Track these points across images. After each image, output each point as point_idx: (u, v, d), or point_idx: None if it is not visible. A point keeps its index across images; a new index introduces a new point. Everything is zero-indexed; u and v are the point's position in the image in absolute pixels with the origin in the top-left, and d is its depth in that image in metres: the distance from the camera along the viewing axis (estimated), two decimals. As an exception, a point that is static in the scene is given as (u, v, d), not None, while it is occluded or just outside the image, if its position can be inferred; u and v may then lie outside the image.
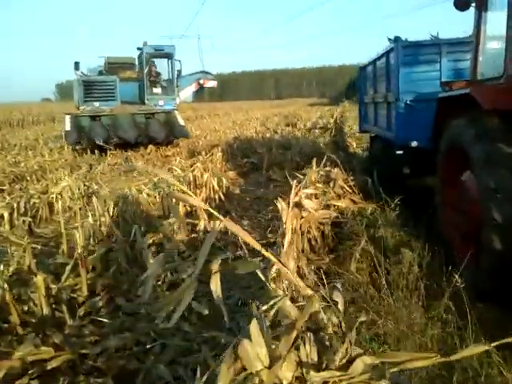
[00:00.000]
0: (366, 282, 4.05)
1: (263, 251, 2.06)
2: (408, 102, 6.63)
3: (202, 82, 17.90)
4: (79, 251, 4.25)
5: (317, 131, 20.99)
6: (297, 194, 3.75)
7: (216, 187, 7.79)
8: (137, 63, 17.82)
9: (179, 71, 17.39)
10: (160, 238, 5.83)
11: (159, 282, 4.79)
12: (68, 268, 4.22)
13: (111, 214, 6.60)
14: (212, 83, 18.50)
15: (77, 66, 16.12)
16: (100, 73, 17.47)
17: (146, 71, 16.79)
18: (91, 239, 5.91)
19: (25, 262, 4.59)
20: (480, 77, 4.95)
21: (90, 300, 4.34)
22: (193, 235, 6.42)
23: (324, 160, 6.71)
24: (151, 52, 16.75)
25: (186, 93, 17.84)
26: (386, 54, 7.40)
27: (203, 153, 14.30)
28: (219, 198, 7.92)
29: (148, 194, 7.61)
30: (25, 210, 7.50)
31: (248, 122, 28.95)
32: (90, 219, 6.00)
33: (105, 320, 4.05)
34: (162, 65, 17.65)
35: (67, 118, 15.31)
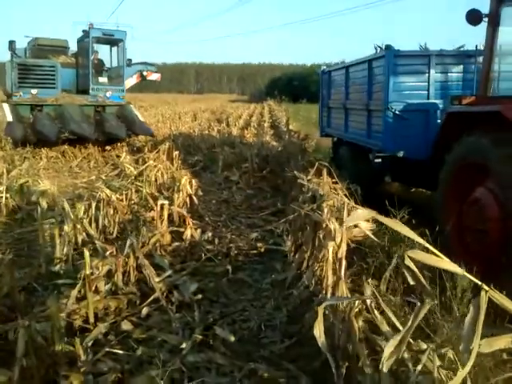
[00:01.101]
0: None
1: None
2: (397, 112, 6.59)
3: (145, 73, 16.62)
4: (87, 272, 3.66)
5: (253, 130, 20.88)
6: (349, 213, 3.47)
7: (189, 190, 7.29)
8: (74, 48, 16.27)
9: (129, 60, 15.99)
10: (149, 247, 5.28)
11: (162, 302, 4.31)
12: (74, 293, 3.63)
13: (84, 218, 5.89)
14: (155, 76, 17.19)
15: (11, 45, 14.26)
16: (26, 56, 15.53)
17: (91, 57, 15.04)
18: (70, 250, 5.23)
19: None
20: (494, 93, 4.96)
21: (97, 326, 3.78)
22: (175, 243, 5.94)
23: (315, 168, 6.48)
24: (98, 36, 14.98)
25: (127, 85, 16.15)
26: (369, 61, 7.34)
27: (145, 149, 13.62)
28: (191, 201, 7.43)
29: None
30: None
31: (177, 116, 28.14)
32: (66, 226, 5.30)
33: (120, 352, 3.54)
34: (103, 52, 16.05)
35: (5, 107, 13.37)
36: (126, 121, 14.68)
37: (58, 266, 4.96)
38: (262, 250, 6.04)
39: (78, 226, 5.57)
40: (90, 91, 15.07)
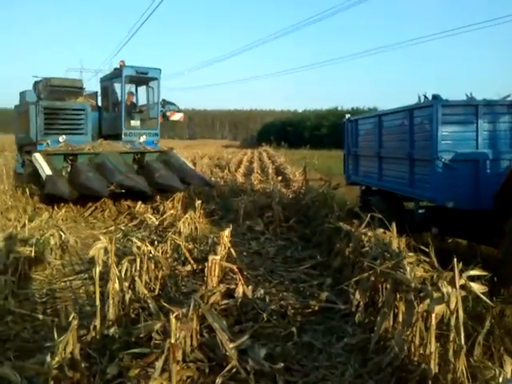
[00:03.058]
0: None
1: None
2: (446, 162, 6.44)
3: (168, 114, 15.23)
4: (172, 340, 3.30)
5: (259, 176, 20.76)
6: (461, 275, 3.20)
7: (228, 243, 6.98)
8: (97, 89, 15.10)
9: (164, 101, 14.74)
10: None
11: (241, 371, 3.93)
12: (160, 364, 3.25)
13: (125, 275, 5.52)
14: (178, 116, 15.74)
15: (37, 86, 13.08)
16: (39, 98, 13.47)
17: (125, 99, 13.66)
18: (120, 311, 4.85)
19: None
20: None
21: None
22: (224, 301, 5.58)
23: (367, 219, 6.25)
24: (131, 75, 13.57)
25: None
26: (411, 110, 7.26)
27: (157, 197, 13.28)
28: (228, 254, 7.10)
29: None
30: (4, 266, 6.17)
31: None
32: (117, 285, 4.93)
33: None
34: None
35: (39, 158, 11.53)
36: (174, 169, 13.06)
37: (112, 330, 4.58)
38: (316, 308, 5.70)
39: (126, 284, 5.23)
40: (123, 136, 13.67)
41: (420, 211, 7.26)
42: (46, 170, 11.15)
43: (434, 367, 3.39)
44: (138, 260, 5.77)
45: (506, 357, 2.78)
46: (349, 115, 10.64)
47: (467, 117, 6.56)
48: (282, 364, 4.12)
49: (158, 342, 4.20)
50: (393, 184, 8.08)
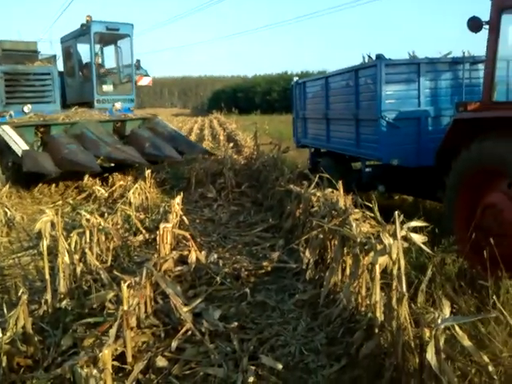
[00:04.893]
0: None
1: None
2: (390, 121, 6.59)
3: (135, 78, 13.32)
4: (125, 307, 3.31)
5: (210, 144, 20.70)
6: (402, 226, 3.33)
7: (179, 211, 6.95)
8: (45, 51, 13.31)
9: (138, 61, 13.00)
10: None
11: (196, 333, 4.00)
12: (113, 331, 3.26)
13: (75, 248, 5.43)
14: (147, 80, 14.23)
15: None
16: None
17: (93, 60, 11.97)
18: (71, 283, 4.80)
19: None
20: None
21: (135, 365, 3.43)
22: (178, 268, 5.60)
23: (315, 180, 6.36)
24: (102, 32, 11.86)
25: None
26: (356, 70, 7.34)
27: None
28: (180, 222, 7.08)
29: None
30: None
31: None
32: (67, 258, 4.84)
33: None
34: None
35: (8, 130, 10.04)
36: (164, 137, 11.89)
37: (64, 302, 4.53)
38: (269, 268, 5.82)
39: (76, 257, 5.15)
40: (95, 104, 12.17)
41: (367, 170, 7.44)
42: (20, 144, 9.77)
43: (379, 316, 3.55)
44: (88, 232, 5.67)
45: (444, 300, 2.94)
46: (297, 78, 10.65)
47: (410, 75, 6.69)
48: (236, 323, 4.23)
49: (111, 311, 4.21)
50: (340, 145, 8.22)
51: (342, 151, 8.24)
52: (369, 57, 7.33)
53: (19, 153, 9.63)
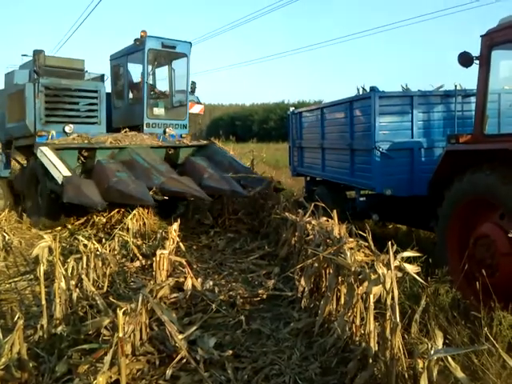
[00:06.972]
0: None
1: None
2: (384, 151, 6.73)
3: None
4: (120, 334, 3.34)
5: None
6: (395, 257, 3.40)
7: (176, 238, 7.00)
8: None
9: (194, 84, 11.98)
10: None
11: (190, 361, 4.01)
12: (108, 358, 3.28)
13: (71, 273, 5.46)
14: (198, 108, 13.28)
15: (37, 57, 9.79)
16: (38, 75, 9.92)
17: (146, 79, 10.82)
18: (67, 309, 4.82)
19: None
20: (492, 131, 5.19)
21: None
22: (174, 295, 5.63)
23: (311, 209, 6.45)
24: (157, 49, 10.67)
25: None
26: (351, 102, 7.51)
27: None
28: (177, 249, 7.12)
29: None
30: None
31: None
32: (63, 284, 4.87)
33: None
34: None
35: (49, 153, 8.77)
36: (224, 168, 10.31)
37: (60, 328, 4.54)
38: (265, 296, 5.86)
39: (73, 283, 5.18)
40: (145, 128, 10.91)
41: (361, 199, 7.55)
42: (61, 169, 8.55)
43: (373, 345, 3.59)
44: (85, 258, 5.71)
45: (437, 331, 2.99)
46: (293, 108, 10.85)
47: (403, 107, 6.87)
48: (231, 351, 4.24)
49: (106, 337, 4.22)
50: (335, 174, 8.35)
51: (336, 180, 8.36)
52: (363, 89, 7.52)
53: (59, 180, 8.46)
